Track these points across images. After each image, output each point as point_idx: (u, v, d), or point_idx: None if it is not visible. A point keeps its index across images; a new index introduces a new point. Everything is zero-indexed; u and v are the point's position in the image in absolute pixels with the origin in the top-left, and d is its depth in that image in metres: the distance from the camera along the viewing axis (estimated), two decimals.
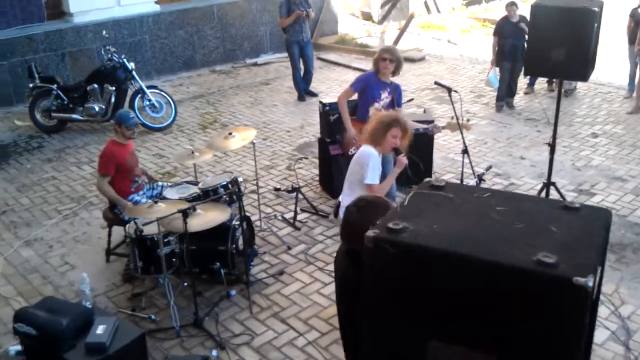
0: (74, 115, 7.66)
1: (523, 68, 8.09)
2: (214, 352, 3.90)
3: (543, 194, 5.34)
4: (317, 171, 6.32)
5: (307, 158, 6.82)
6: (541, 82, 8.98)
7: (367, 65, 5.36)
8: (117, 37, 9.23)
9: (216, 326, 4.14)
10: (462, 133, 5.20)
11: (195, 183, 5.00)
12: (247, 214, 4.84)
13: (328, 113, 6.03)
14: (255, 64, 10.66)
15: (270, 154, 7.01)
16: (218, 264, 4.40)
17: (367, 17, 13.64)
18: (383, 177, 4.36)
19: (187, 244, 4.18)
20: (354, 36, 12.31)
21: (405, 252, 1.67)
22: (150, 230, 4.22)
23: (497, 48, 8.11)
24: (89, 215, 5.75)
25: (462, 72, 10.04)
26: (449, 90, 5.30)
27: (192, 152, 4.96)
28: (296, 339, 4.05)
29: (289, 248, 5.10)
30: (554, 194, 5.43)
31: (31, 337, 3.45)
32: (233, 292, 4.47)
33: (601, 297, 2.64)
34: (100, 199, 5.79)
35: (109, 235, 4.88)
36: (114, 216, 4.81)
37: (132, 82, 7.71)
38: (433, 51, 11.23)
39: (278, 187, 6.13)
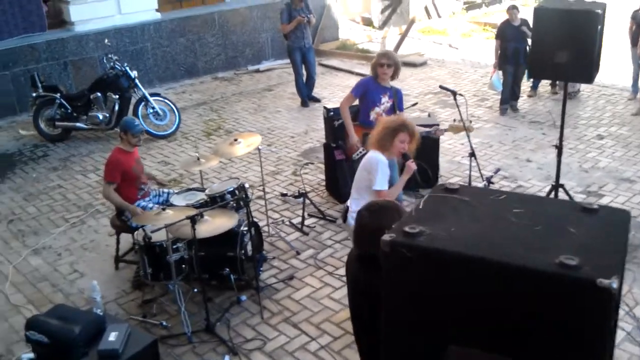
0: (78, 124, 7.68)
1: (526, 71, 8.21)
2: (227, 358, 3.90)
3: (552, 197, 5.34)
4: (323, 176, 6.33)
5: (312, 163, 6.83)
6: (544, 85, 9.01)
7: (369, 70, 5.39)
8: (118, 45, 9.25)
9: (228, 331, 4.14)
10: (468, 136, 5.21)
11: (202, 190, 5.01)
12: (255, 219, 4.85)
13: (332, 118, 6.05)
14: (258, 71, 10.68)
15: (275, 160, 7.02)
16: (227, 269, 4.40)
17: (368, 22, 13.68)
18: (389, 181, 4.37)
19: (196, 250, 4.19)
20: (355, 42, 12.34)
21: (422, 256, 1.66)
22: (159, 237, 4.22)
23: (499, 52, 8.13)
24: (97, 223, 5.75)
25: (464, 76, 10.06)
26: (454, 93, 5.32)
27: (198, 159, 4.97)
28: (309, 344, 4.05)
29: (298, 253, 5.11)
30: (562, 197, 5.43)
31: (43, 345, 3.44)
32: (244, 298, 4.47)
33: None
34: (107, 207, 5.80)
35: (117, 242, 4.89)
36: (121, 223, 4.82)
37: (135, 90, 7.73)
38: (434, 55, 11.25)
39: (285, 192, 6.14)
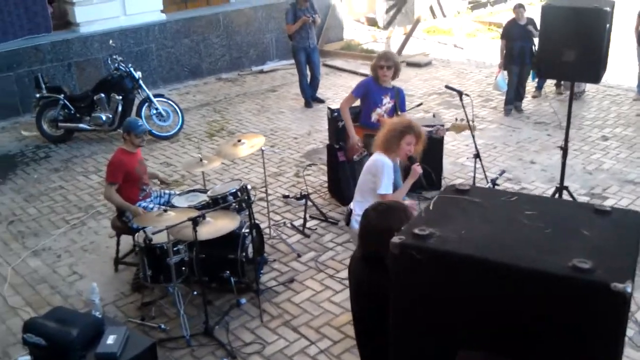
0: (81, 125, 7.64)
1: (531, 71, 8.13)
2: None
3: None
4: (325, 178, 6.26)
5: (315, 165, 6.77)
6: (549, 85, 8.92)
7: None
8: (123, 46, 9.23)
9: (227, 335, 4.08)
10: (473, 137, 5.14)
11: (204, 191, 4.95)
12: (256, 221, 4.79)
13: (337, 119, 5.99)
14: (262, 72, 10.64)
15: (278, 161, 6.96)
16: (228, 272, 4.34)
17: (372, 22, 13.62)
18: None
19: (197, 252, 4.13)
20: (360, 42, 12.29)
21: (433, 259, 1.63)
22: (160, 238, 4.17)
23: (505, 51, 8.05)
24: (97, 224, 5.70)
25: (469, 76, 9.99)
26: (460, 93, 5.25)
27: (201, 160, 4.92)
28: (308, 348, 3.98)
29: (299, 256, 5.04)
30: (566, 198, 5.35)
31: (41, 348, 3.39)
32: (243, 301, 4.41)
33: None
34: (108, 208, 5.75)
35: (117, 244, 4.84)
36: (122, 224, 4.77)
37: (139, 91, 7.69)
38: (439, 55, 11.18)
39: (287, 194, 6.08)
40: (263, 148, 5.12)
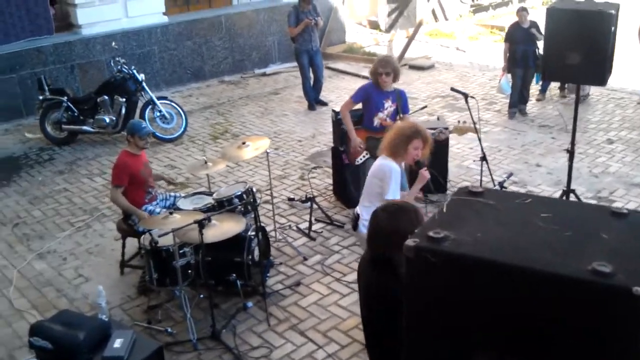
0: (84, 127, 7.64)
1: (535, 74, 8.13)
2: None
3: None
4: (330, 180, 6.26)
5: (320, 167, 6.76)
6: (553, 89, 8.91)
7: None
8: (125, 48, 9.23)
9: (234, 339, 4.06)
10: (479, 139, 5.13)
11: (209, 193, 4.94)
12: (262, 224, 4.78)
13: (340, 122, 5.95)
14: (264, 74, 10.64)
15: (282, 164, 6.96)
16: (234, 275, 4.33)
17: (375, 25, 13.63)
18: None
19: (203, 255, 4.12)
20: (362, 45, 12.29)
21: (448, 262, 1.61)
22: (165, 241, 4.16)
23: (508, 54, 8.05)
24: (102, 227, 5.70)
25: (472, 79, 9.98)
26: (466, 96, 5.25)
27: (205, 163, 4.91)
28: (315, 352, 3.97)
29: (305, 259, 5.03)
30: None
31: (47, 351, 3.38)
32: (250, 304, 4.39)
33: None
34: (113, 211, 5.74)
35: (123, 247, 4.83)
36: (128, 227, 4.76)
37: (143, 93, 7.69)
38: (442, 59, 11.18)
39: (292, 197, 6.07)
40: (268, 150, 5.11)
